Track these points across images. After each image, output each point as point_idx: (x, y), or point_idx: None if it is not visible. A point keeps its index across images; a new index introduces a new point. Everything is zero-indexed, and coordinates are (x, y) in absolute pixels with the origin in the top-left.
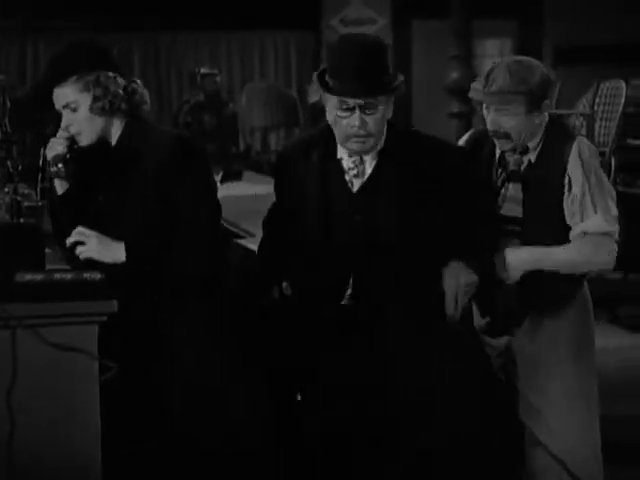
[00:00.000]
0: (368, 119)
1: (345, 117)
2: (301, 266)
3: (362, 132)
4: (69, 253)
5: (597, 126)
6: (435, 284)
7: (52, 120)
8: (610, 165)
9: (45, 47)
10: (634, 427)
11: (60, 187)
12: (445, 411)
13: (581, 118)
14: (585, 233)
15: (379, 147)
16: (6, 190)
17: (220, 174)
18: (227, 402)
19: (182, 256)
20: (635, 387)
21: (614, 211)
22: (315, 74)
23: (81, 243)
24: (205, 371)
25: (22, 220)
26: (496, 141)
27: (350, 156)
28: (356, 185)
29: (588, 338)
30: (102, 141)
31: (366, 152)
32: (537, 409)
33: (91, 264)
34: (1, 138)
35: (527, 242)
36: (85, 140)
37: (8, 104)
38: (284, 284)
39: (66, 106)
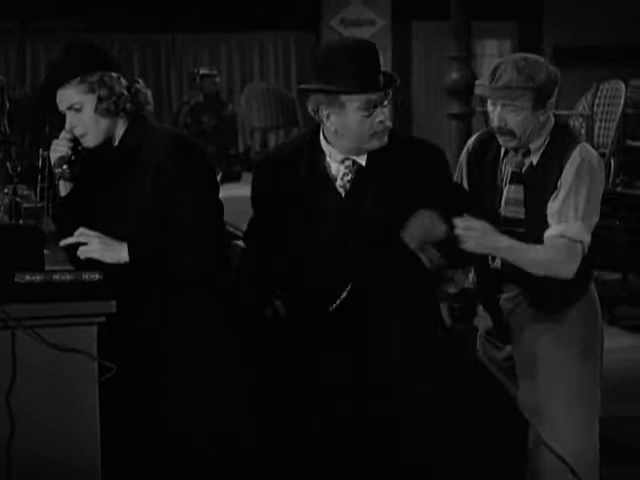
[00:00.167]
0: (387, 112)
1: (369, 115)
2: (297, 277)
3: (388, 124)
4: (71, 254)
5: (596, 127)
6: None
7: (52, 121)
8: (609, 166)
9: (44, 48)
10: (634, 427)
11: (64, 188)
12: (444, 412)
13: (580, 119)
14: (562, 236)
15: None
16: (5, 191)
17: (219, 175)
18: (226, 403)
19: (183, 256)
20: (635, 388)
21: (593, 224)
22: (319, 86)
23: (83, 244)
24: (205, 371)
25: (21, 221)
26: (500, 138)
27: (342, 161)
28: (347, 188)
29: (593, 340)
30: (105, 142)
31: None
32: (540, 409)
33: (93, 264)
34: (0, 139)
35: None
36: (91, 142)
37: (7, 105)
38: (277, 303)
39: (70, 107)
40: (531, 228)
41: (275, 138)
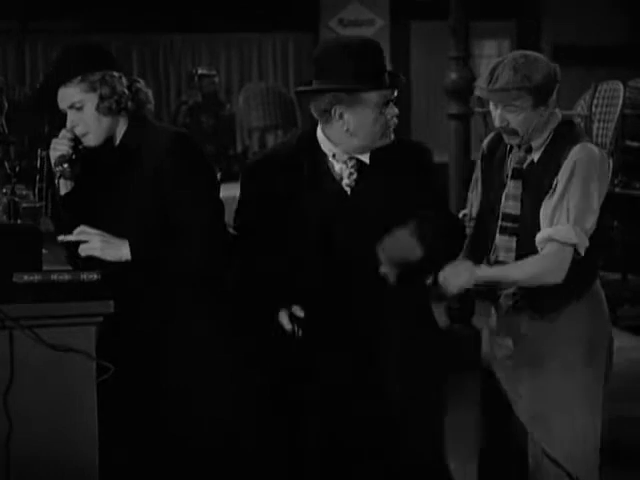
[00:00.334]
0: (395, 108)
1: (384, 112)
2: (297, 277)
3: (396, 120)
4: (71, 252)
5: (595, 128)
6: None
7: (52, 121)
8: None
9: (43, 48)
10: (635, 428)
11: (64, 187)
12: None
13: (579, 120)
14: (551, 239)
15: None
16: (4, 191)
17: (218, 175)
18: (226, 403)
19: (183, 255)
20: (635, 388)
21: (588, 226)
22: (339, 86)
23: (84, 241)
24: (205, 371)
25: (19, 221)
26: (504, 136)
27: (346, 161)
28: (353, 186)
29: (597, 340)
30: (106, 141)
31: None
32: (540, 410)
33: (93, 263)
34: None
35: (521, 240)
36: (93, 140)
37: (6, 105)
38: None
39: (71, 106)
40: (525, 225)
41: (274, 138)
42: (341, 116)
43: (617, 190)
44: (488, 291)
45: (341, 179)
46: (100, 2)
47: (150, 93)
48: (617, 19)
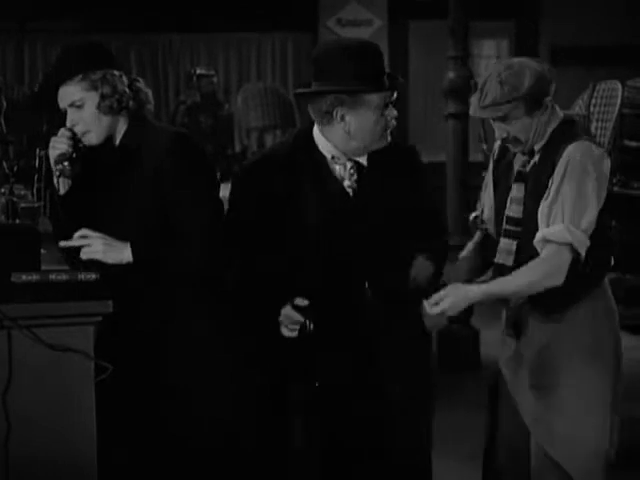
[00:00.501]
0: (394, 109)
1: (384, 114)
2: (297, 278)
3: (395, 122)
4: (69, 254)
5: (593, 127)
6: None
7: (52, 120)
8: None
9: (42, 48)
10: (635, 428)
11: (63, 186)
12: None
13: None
14: (547, 240)
15: None
16: (2, 191)
17: (218, 175)
18: (226, 403)
19: (183, 255)
20: (635, 388)
21: (585, 224)
22: (342, 87)
23: (85, 245)
24: (205, 371)
25: (18, 221)
26: (509, 146)
27: (345, 163)
28: (355, 188)
29: (604, 341)
30: (106, 140)
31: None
32: (542, 411)
33: (94, 263)
34: None
35: (523, 243)
36: (94, 139)
37: (4, 105)
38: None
39: (72, 104)
40: (527, 228)
41: (272, 138)
42: (342, 118)
43: (615, 189)
44: None
45: (342, 180)
46: (99, 2)
47: (150, 93)
48: (616, 19)
